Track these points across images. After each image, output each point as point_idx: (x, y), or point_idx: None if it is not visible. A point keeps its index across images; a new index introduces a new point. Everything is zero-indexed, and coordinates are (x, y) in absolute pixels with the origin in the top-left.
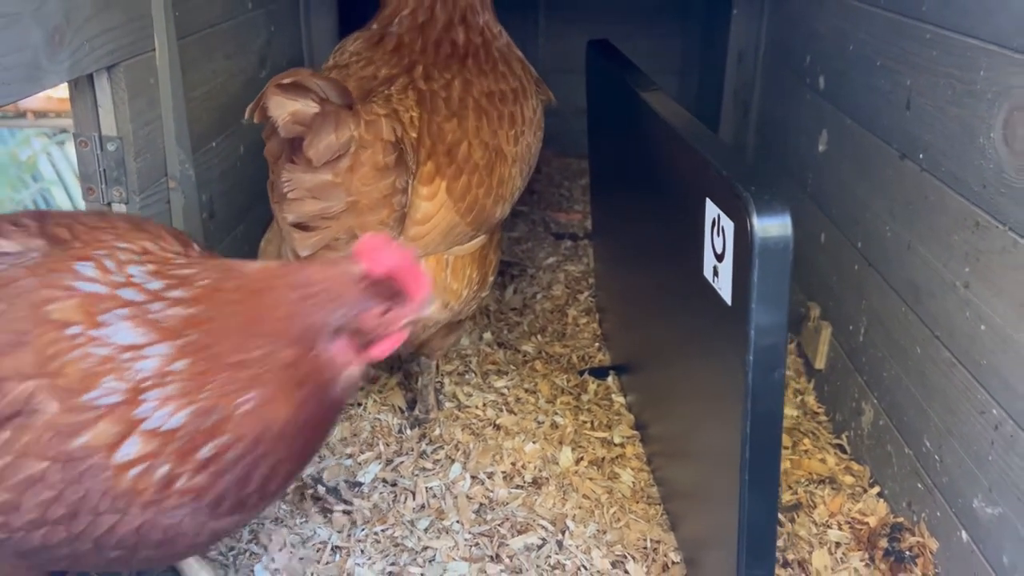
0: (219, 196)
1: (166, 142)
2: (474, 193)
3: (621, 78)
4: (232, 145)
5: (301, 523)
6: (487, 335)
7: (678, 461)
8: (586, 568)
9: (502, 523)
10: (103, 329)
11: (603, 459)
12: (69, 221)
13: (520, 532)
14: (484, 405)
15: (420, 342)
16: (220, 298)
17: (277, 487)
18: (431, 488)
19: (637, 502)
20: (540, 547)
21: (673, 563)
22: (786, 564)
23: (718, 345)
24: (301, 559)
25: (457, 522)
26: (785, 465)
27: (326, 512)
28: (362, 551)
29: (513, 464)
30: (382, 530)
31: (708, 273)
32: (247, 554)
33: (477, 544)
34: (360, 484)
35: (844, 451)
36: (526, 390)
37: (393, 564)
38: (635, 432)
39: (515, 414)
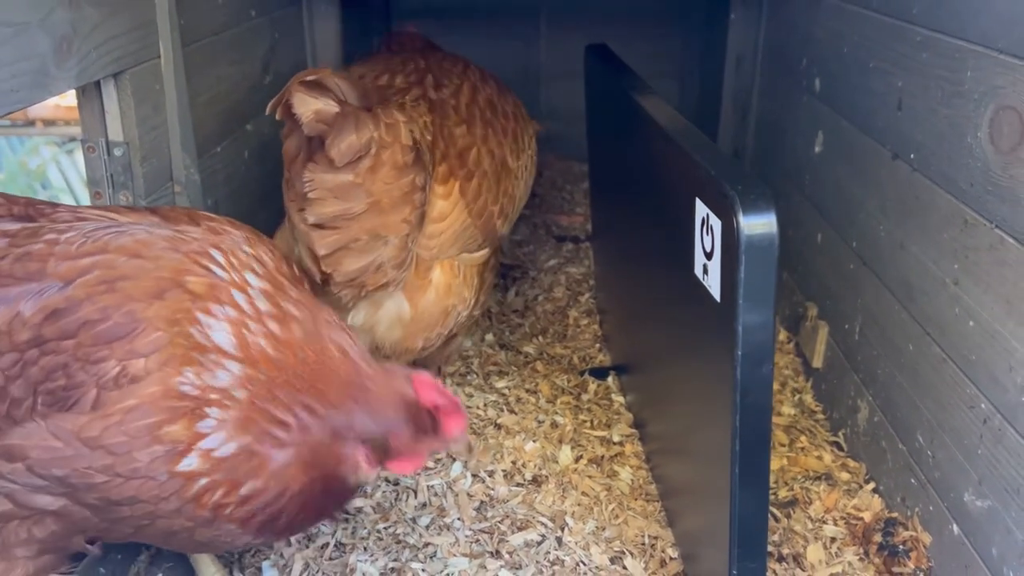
0: (224, 200)
1: (171, 147)
2: (484, 197)
3: (617, 82)
4: (236, 150)
5: None
6: (489, 336)
7: (675, 458)
8: (585, 564)
9: (502, 520)
10: (210, 318)
11: (602, 457)
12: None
13: (520, 529)
14: (485, 405)
15: (419, 358)
16: (296, 355)
17: (304, 526)
18: (432, 486)
19: (635, 499)
20: (540, 543)
21: (671, 559)
22: (781, 559)
23: (709, 342)
24: (306, 556)
25: (458, 519)
26: (782, 462)
27: None
28: (365, 548)
29: (513, 462)
30: (384, 527)
31: (699, 271)
32: (254, 551)
33: (477, 540)
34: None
35: (841, 448)
36: (527, 390)
37: (395, 560)
38: (634, 431)
39: (516, 414)
